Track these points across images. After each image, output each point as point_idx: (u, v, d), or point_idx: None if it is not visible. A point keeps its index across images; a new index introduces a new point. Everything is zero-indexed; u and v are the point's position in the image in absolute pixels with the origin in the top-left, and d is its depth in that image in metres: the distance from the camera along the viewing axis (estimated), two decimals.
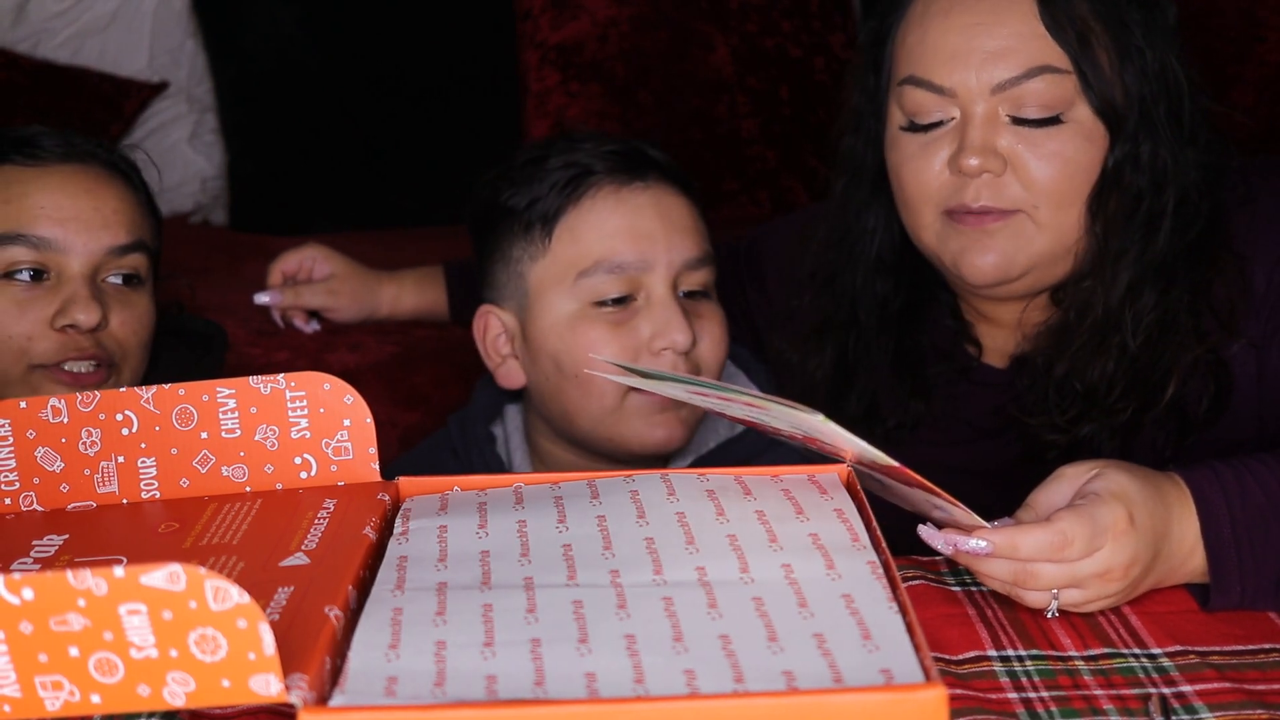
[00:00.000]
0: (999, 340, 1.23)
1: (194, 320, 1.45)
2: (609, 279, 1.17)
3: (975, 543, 0.86)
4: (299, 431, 0.91)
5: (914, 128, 1.13)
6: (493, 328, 1.24)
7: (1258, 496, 0.91)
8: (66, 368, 1.19)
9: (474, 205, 1.28)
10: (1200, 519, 0.90)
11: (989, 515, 0.89)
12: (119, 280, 1.22)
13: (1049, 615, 0.89)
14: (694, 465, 1.23)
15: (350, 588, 0.75)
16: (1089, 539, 0.85)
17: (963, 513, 0.86)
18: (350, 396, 0.90)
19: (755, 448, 1.24)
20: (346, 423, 0.90)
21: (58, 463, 0.92)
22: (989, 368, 1.23)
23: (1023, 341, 1.20)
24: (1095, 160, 1.10)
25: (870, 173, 1.22)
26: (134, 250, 1.22)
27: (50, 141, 1.22)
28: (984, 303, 1.21)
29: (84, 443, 0.92)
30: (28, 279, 1.18)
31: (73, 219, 1.19)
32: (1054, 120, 1.09)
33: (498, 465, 1.27)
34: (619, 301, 1.18)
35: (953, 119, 1.11)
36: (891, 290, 1.23)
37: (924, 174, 1.13)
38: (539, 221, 1.19)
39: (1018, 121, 1.09)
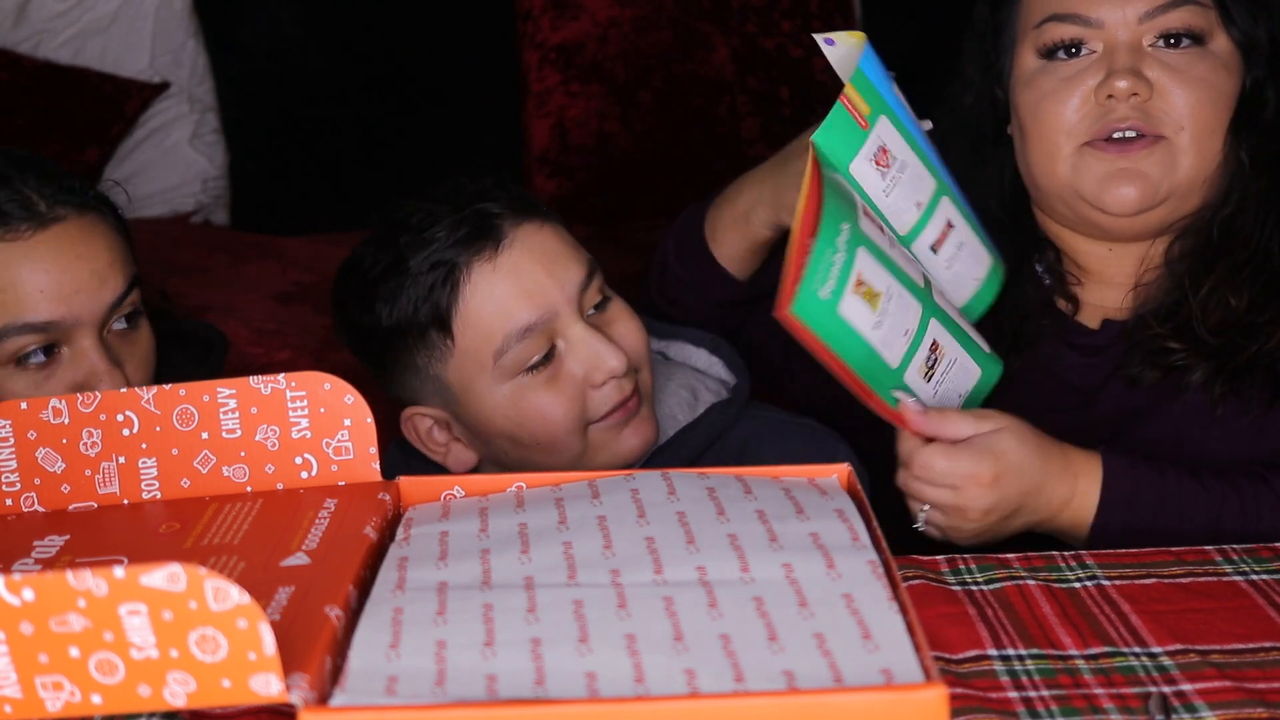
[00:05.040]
0: (1099, 296, 1.25)
1: (193, 324, 1.44)
2: (525, 345, 1.15)
3: (910, 400, 1.05)
4: (300, 431, 0.91)
5: (1054, 56, 1.18)
6: (422, 425, 1.22)
7: (1161, 509, 1.08)
8: None
9: (351, 332, 1.24)
10: (1100, 503, 1.07)
11: None
12: (123, 324, 1.16)
13: (917, 525, 1.07)
14: (654, 455, 1.22)
15: (351, 587, 0.75)
16: (948, 470, 1.04)
17: None
18: (351, 396, 0.90)
19: (713, 429, 1.24)
20: (347, 422, 0.91)
21: (59, 463, 0.92)
22: (1081, 326, 1.25)
23: (1137, 289, 1.22)
24: (1234, 90, 1.16)
25: (987, 130, 1.27)
26: (130, 290, 1.16)
27: (13, 205, 1.11)
28: (1092, 256, 1.24)
29: (85, 443, 0.92)
30: (42, 359, 1.12)
31: (72, 292, 1.11)
32: (1197, 43, 1.15)
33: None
34: (544, 358, 1.16)
35: (1095, 51, 1.17)
36: (1004, 245, 1.26)
37: (1064, 106, 1.17)
38: (432, 326, 1.16)
39: (1160, 46, 1.15)
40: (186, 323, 1.43)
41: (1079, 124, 1.17)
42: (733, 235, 1.29)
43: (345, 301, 1.23)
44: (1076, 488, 1.07)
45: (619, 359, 1.16)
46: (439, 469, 1.24)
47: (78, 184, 1.16)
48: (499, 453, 1.20)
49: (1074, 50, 1.18)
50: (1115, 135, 1.15)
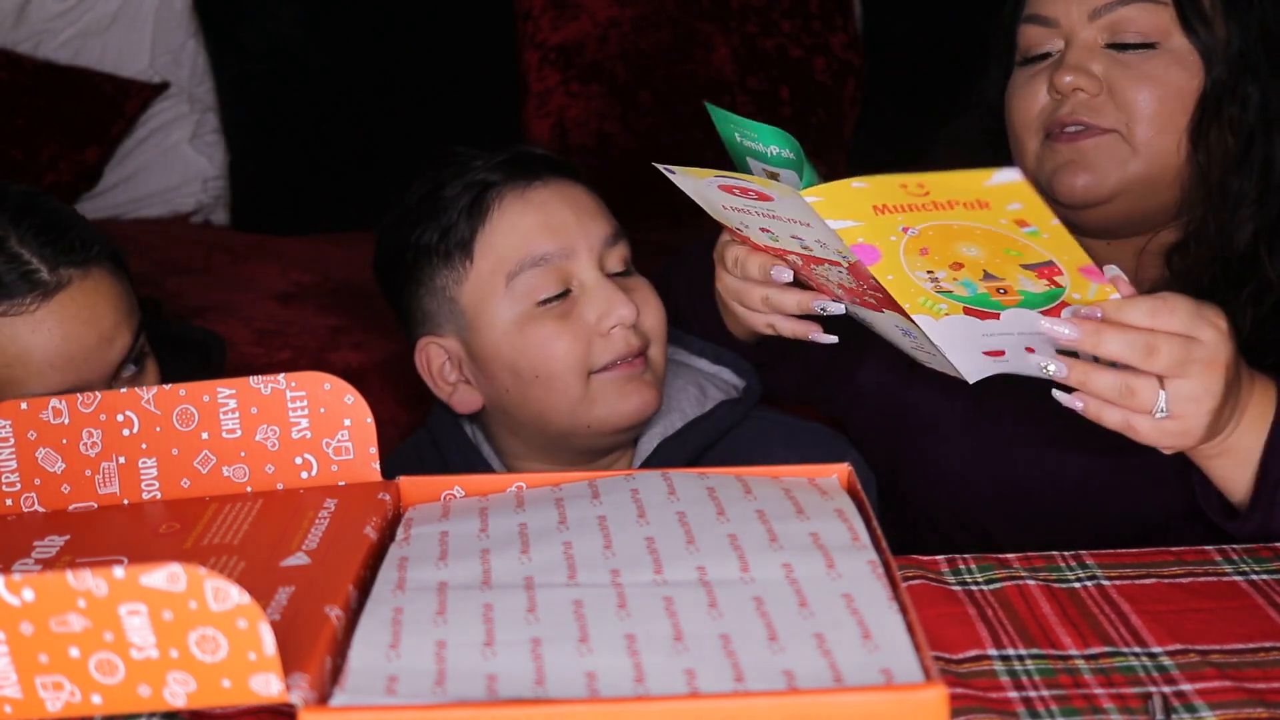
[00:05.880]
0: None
1: (190, 329, 1.43)
2: (537, 273, 1.18)
3: (1090, 310, 0.90)
4: (299, 431, 0.91)
5: (1025, 61, 1.21)
6: (435, 358, 1.24)
7: None
8: None
9: (381, 253, 1.27)
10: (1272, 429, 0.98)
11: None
12: (131, 370, 1.15)
13: (1157, 414, 0.91)
14: (661, 446, 1.23)
15: (351, 587, 0.75)
16: (1192, 311, 0.90)
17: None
18: (351, 396, 0.90)
19: (722, 424, 1.24)
20: (347, 422, 0.91)
21: (59, 464, 0.92)
22: None
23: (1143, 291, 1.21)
24: (1192, 89, 1.15)
25: (995, 112, 1.29)
26: (136, 340, 1.15)
27: (14, 276, 1.08)
28: (1095, 248, 1.23)
29: (85, 444, 0.92)
30: None
31: (82, 360, 1.10)
32: (1149, 46, 1.15)
33: (476, 456, 1.27)
34: (558, 296, 1.19)
35: (1058, 51, 1.19)
36: None
37: (1028, 101, 1.20)
38: (457, 248, 1.20)
39: (1113, 46, 1.16)
40: (184, 328, 1.42)
41: (1039, 117, 1.19)
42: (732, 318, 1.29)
43: (384, 231, 1.27)
44: (1256, 383, 1.00)
45: (630, 309, 1.18)
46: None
47: (78, 238, 1.12)
48: (502, 390, 1.21)
49: (1043, 56, 1.20)
50: (1067, 130, 1.16)
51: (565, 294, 1.19)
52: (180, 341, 1.35)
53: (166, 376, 1.23)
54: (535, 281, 1.18)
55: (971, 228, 0.86)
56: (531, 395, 1.19)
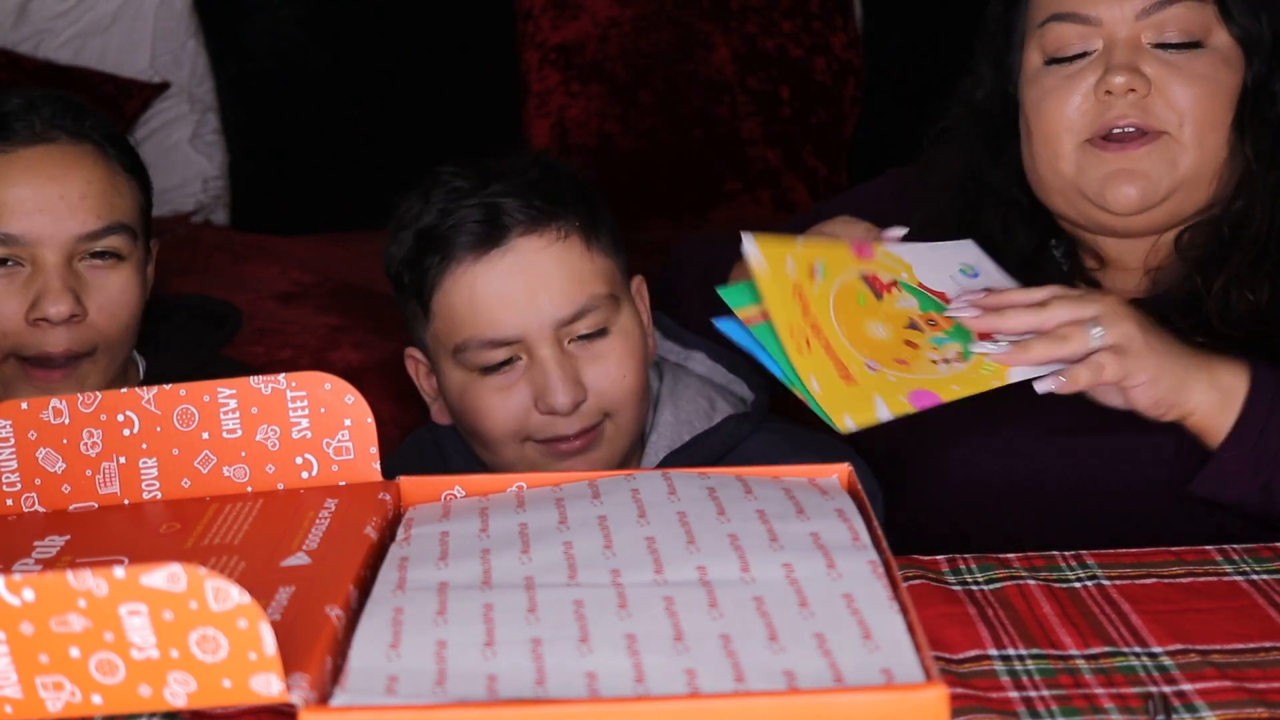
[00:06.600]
0: (1117, 280, 1.25)
1: (208, 300, 1.46)
2: (485, 353, 1.16)
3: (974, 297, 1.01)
4: (300, 431, 0.91)
5: (1057, 60, 1.19)
6: (421, 367, 1.26)
7: None
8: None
9: (385, 259, 1.27)
10: (1242, 408, 1.03)
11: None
12: (96, 261, 1.20)
13: (1093, 343, 0.99)
14: (668, 458, 1.22)
15: (351, 587, 0.75)
16: (1073, 297, 1.00)
17: None
18: (351, 396, 0.90)
19: (729, 439, 1.24)
20: (347, 422, 0.90)
21: (59, 464, 0.92)
22: None
23: (1152, 281, 1.22)
24: (1236, 86, 1.16)
25: (1001, 123, 1.27)
26: (108, 233, 1.20)
27: (20, 122, 1.19)
28: (1107, 243, 1.24)
29: (85, 443, 0.92)
30: (4, 267, 1.18)
31: (37, 211, 1.17)
32: (1195, 45, 1.16)
33: (475, 457, 1.27)
34: (505, 362, 1.16)
35: (1095, 50, 1.18)
36: (1024, 233, 1.26)
37: (1066, 104, 1.18)
38: (413, 295, 1.20)
39: (1160, 46, 1.16)
40: (202, 299, 1.47)
41: (1080, 120, 1.17)
42: None
43: (386, 240, 1.27)
44: (1214, 359, 1.06)
45: (566, 398, 1.14)
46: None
47: (87, 118, 1.22)
48: (457, 423, 1.25)
49: (1078, 55, 1.18)
50: (1115, 132, 1.15)
51: (513, 360, 1.16)
52: (199, 311, 1.40)
53: (183, 338, 1.28)
54: (481, 358, 1.16)
55: (827, 316, 0.95)
56: (474, 443, 1.22)
